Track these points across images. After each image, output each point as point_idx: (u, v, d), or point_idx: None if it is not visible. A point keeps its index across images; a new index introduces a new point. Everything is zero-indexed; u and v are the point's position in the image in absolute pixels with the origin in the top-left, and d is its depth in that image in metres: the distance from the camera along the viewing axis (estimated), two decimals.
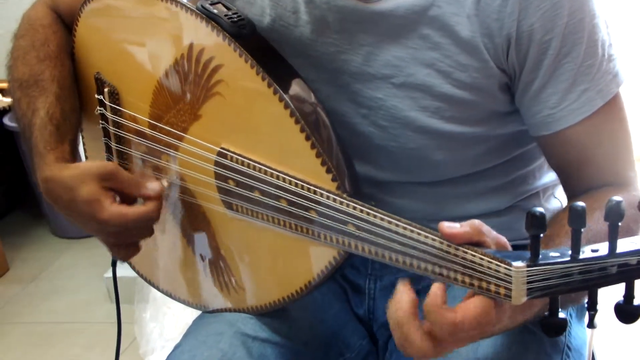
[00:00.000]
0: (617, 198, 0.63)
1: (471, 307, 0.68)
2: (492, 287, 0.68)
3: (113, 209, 0.90)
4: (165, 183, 0.99)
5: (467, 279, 0.71)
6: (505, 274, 0.67)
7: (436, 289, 0.70)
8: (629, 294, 0.65)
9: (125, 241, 0.97)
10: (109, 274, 2.44)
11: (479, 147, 0.95)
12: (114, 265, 1.19)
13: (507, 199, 1.00)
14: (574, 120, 0.88)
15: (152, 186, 0.95)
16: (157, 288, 1.15)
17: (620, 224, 0.63)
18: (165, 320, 1.93)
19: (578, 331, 1.01)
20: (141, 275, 1.18)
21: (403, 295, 0.73)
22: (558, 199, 1.06)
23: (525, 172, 1.01)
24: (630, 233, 0.82)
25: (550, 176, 1.04)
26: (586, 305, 0.67)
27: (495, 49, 0.87)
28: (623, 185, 0.90)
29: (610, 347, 1.70)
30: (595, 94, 0.88)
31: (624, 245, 0.64)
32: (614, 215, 0.63)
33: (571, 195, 0.94)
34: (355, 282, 1.07)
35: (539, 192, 1.03)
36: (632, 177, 0.92)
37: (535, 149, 0.99)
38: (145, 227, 0.95)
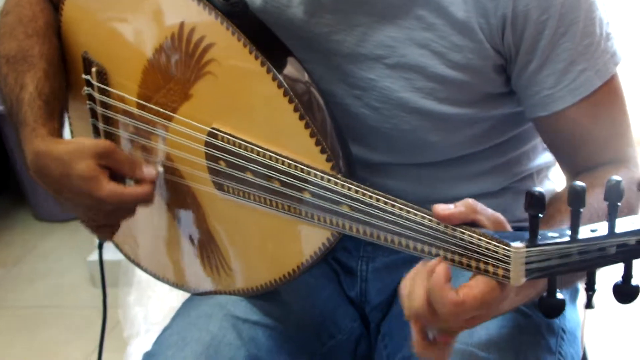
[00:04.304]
0: (616, 177, 0.62)
1: (473, 286, 0.68)
2: (490, 268, 0.68)
3: (111, 187, 0.90)
4: (160, 168, 0.99)
5: (464, 260, 0.70)
6: (504, 255, 0.66)
7: (441, 268, 0.69)
8: (628, 273, 0.65)
9: (112, 221, 0.96)
10: (92, 257, 2.42)
11: (474, 128, 0.94)
12: (100, 247, 1.17)
13: (501, 180, 0.99)
14: (571, 100, 0.88)
15: (148, 170, 0.95)
16: (145, 270, 1.14)
17: (619, 203, 0.63)
18: (149, 304, 1.92)
19: (572, 314, 1.01)
20: (129, 257, 1.17)
21: (440, 266, 0.70)
22: (552, 181, 1.06)
23: (520, 153, 1.00)
24: (630, 209, 0.82)
25: (544, 158, 1.04)
26: (584, 285, 0.67)
27: (491, 29, 0.86)
28: (622, 162, 0.90)
29: (600, 334, 1.72)
30: (594, 74, 0.87)
31: (623, 225, 0.64)
32: (614, 195, 0.63)
33: (569, 175, 0.94)
34: (347, 264, 1.06)
35: (532, 173, 1.02)
36: (632, 153, 0.91)
37: (530, 130, 0.98)
38: (132, 208, 0.95)
